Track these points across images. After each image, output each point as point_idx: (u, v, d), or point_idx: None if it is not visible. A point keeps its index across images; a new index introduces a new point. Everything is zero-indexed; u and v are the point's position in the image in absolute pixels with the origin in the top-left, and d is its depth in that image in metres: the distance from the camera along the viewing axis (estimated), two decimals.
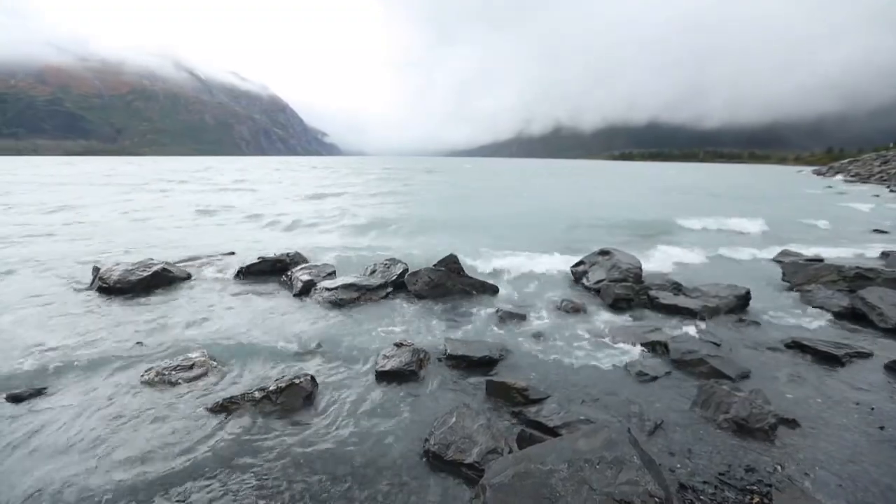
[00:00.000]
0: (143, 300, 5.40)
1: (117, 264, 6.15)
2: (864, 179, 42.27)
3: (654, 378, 3.59)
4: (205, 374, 3.56)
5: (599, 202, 18.95)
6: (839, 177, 48.07)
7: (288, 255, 7.07)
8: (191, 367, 3.60)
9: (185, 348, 3.97)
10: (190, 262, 6.98)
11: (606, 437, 2.02)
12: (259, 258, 6.77)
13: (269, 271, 6.69)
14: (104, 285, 5.72)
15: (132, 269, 5.97)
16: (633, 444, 1.99)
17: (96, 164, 61.23)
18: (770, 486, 2.36)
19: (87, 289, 5.85)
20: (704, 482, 2.42)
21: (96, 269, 6.11)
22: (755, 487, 2.36)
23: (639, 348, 4.10)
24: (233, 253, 7.85)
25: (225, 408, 3.06)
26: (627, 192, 26.47)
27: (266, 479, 2.40)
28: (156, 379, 3.44)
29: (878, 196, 24.32)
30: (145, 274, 5.90)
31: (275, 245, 8.53)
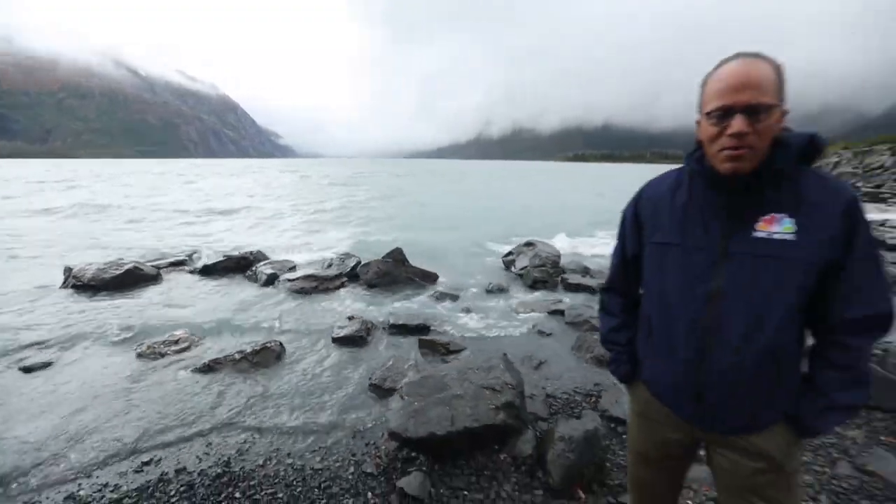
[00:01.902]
0: (119, 295, 5.99)
1: (89, 264, 6.65)
2: None
3: (550, 334, 4.71)
4: (189, 347, 4.32)
5: (543, 202, 20.54)
6: None
7: (251, 252, 7.77)
8: (176, 341, 4.36)
9: (169, 329, 4.70)
10: (156, 262, 7.53)
11: (486, 357, 3.06)
12: (224, 256, 7.44)
13: (234, 268, 7.37)
14: (78, 283, 6.24)
15: (104, 268, 6.51)
16: (502, 359, 3.03)
17: None
18: (603, 390, 3.50)
19: (61, 287, 6.33)
20: (564, 392, 3.52)
21: (68, 270, 6.58)
22: (594, 392, 3.49)
23: (543, 315, 5.24)
24: (197, 253, 8.44)
25: (210, 367, 3.86)
26: (576, 193, 28.50)
27: (247, 415, 3.23)
28: (148, 351, 4.17)
29: None
30: (118, 272, 6.45)
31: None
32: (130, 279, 6.50)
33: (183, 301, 5.76)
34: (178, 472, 2.56)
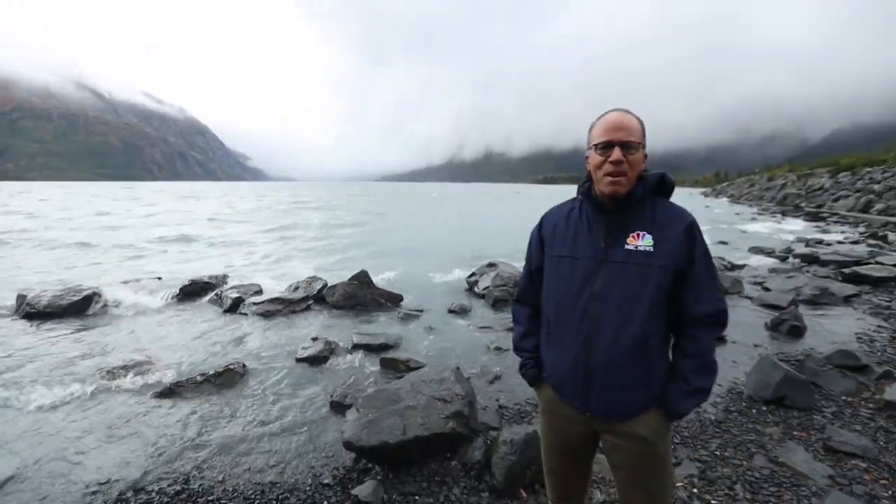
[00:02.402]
0: (77, 322, 5.88)
1: (44, 290, 6.50)
2: (736, 199, 49.79)
3: (507, 350, 4.94)
4: (150, 372, 4.31)
5: (510, 223, 21.13)
6: (721, 198, 55.94)
7: (216, 277, 7.76)
8: (137, 364, 4.36)
9: (130, 354, 4.68)
10: (118, 287, 7.40)
11: (438, 371, 3.27)
12: (189, 281, 7.40)
13: (198, 293, 7.33)
14: (32, 311, 6.08)
15: (61, 295, 6.38)
16: (453, 372, 3.25)
17: None
18: None
19: (11, 315, 6.15)
20: (516, 403, 3.74)
21: (22, 297, 6.41)
22: None
23: (502, 332, 5.49)
24: (160, 278, 8.33)
25: (172, 391, 3.89)
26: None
27: (208, 434, 3.29)
28: (106, 377, 4.16)
29: (738, 214, 29.24)
30: (76, 298, 6.33)
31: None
32: (90, 305, 6.38)
33: (145, 327, 5.72)
34: (136, 492, 2.62)
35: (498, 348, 4.98)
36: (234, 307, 6.52)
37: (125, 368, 4.27)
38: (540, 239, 1.58)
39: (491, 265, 7.84)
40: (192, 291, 7.23)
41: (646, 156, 1.37)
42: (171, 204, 37.31)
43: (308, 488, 2.65)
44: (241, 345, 5.06)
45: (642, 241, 1.33)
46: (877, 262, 8.97)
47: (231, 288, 7.24)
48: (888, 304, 6.64)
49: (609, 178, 1.32)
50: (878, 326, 5.64)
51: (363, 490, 2.51)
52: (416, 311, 6.33)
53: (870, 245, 12.83)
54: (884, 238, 14.22)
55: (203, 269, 9.24)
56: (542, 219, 1.59)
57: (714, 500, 2.49)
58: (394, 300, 6.74)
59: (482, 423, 3.20)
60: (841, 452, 2.92)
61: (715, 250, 12.32)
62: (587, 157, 1.42)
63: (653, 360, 1.35)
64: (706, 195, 65.18)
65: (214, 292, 7.20)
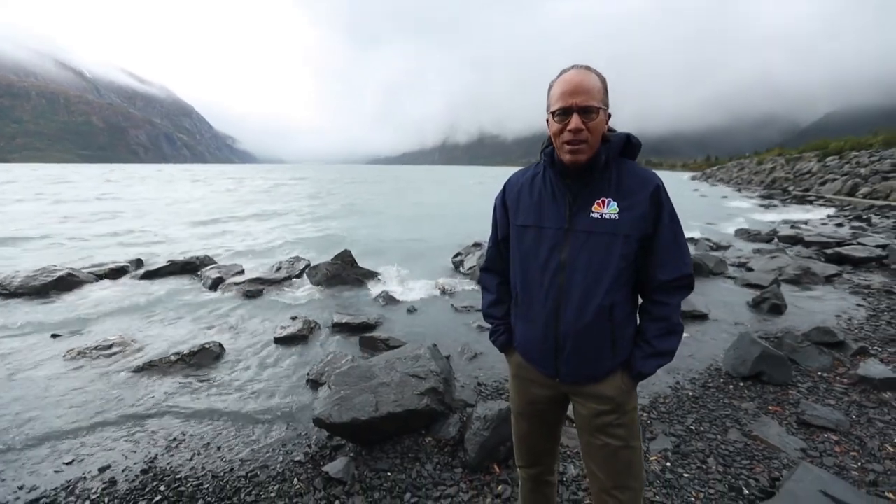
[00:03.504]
0: (50, 302, 5.73)
1: (17, 271, 6.32)
2: (726, 182, 50.08)
3: (489, 328, 4.92)
4: (123, 351, 4.23)
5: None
6: (711, 182, 56.17)
7: (197, 258, 7.60)
8: (110, 346, 4.26)
9: (104, 334, 4.57)
10: (95, 269, 7.23)
11: (414, 348, 3.22)
12: (169, 261, 7.25)
13: (178, 273, 7.19)
14: (5, 291, 5.92)
15: (34, 276, 6.21)
16: (428, 349, 3.19)
17: None
18: None
19: None
20: (494, 380, 3.71)
21: None
22: None
23: None
24: (139, 260, 8.15)
25: (143, 369, 3.81)
26: None
27: (179, 413, 3.21)
28: (78, 356, 4.06)
29: (725, 196, 29.42)
30: (49, 279, 6.17)
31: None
32: (64, 286, 6.23)
33: (121, 306, 5.59)
34: (101, 469, 2.55)
35: (480, 327, 4.95)
36: (215, 287, 6.41)
37: (97, 349, 4.17)
38: (504, 206, 1.52)
39: (476, 245, 7.78)
40: (171, 272, 7.09)
41: (609, 115, 1.29)
42: (156, 187, 36.57)
43: (279, 465, 2.60)
44: (220, 324, 4.97)
45: (607, 209, 1.28)
46: (859, 244, 9.06)
47: (212, 268, 7.10)
48: (868, 283, 6.71)
49: (568, 147, 1.25)
50: (857, 305, 5.71)
51: (334, 466, 2.47)
52: (400, 290, 6.26)
53: (853, 227, 12.97)
54: (868, 220, 14.39)
55: (185, 251, 9.06)
56: (506, 185, 1.53)
57: (686, 473, 2.49)
58: (377, 279, 6.67)
59: (459, 400, 3.17)
60: (814, 426, 2.94)
61: (701, 232, 12.39)
62: (547, 121, 1.33)
63: (619, 328, 1.32)
64: (695, 179, 65.45)
65: (195, 273, 7.07)
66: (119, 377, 3.71)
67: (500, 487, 2.35)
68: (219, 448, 2.78)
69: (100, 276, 6.84)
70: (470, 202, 25.26)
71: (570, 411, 1.53)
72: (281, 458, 2.66)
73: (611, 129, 1.33)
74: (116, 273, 7.19)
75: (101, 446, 2.79)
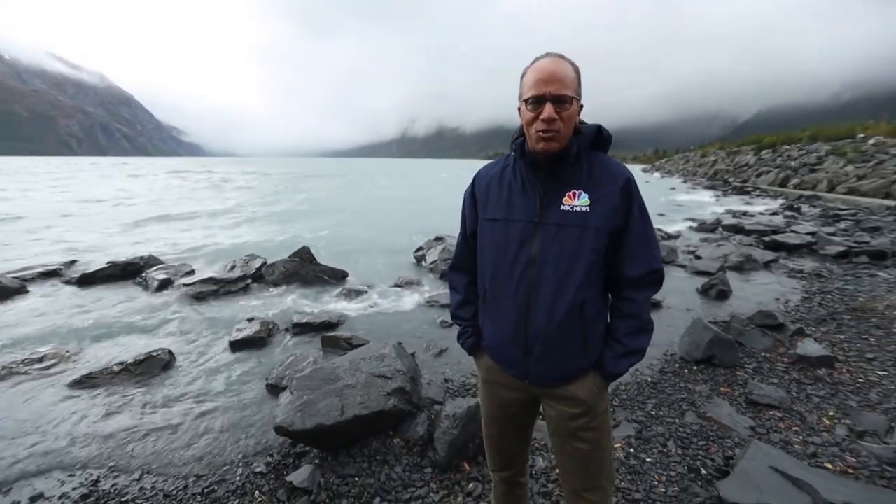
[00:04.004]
0: None
1: None
2: (673, 175, 52.73)
3: (452, 324, 4.91)
4: (58, 364, 3.87)
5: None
6: (659, 173, 58.92)
7: (141, 258, 7.09)
8: (41, 359, 3.88)
9: (34, 346, 4.16)
10: (21, 273, 6.58)
11: (379, 347, 3.14)
12: (108, 263, 6.71)
13: (119, 275, 6.67)
14: None
15: None
16: (394, 347, 3.13)
17: None
18: None
19: None
20: (461, 375, 3.70)
21: None
22: None
23: (450, 306, 5.43)
24: (74, 261, 7.52)
25: (82, 383, 3.50)
26: None
27: (124, 429, 2.97)
28: (3, 373, 3.67)
29: (674, 188, 30.97)
30: None
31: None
32: None
33: (54, 315, 5.11)
34: (32, 499, 2.31)
35: (444, 321, 4.92)
36: (162, 289, 6.00)
37: (25, 363, 3.80)
38: (473, 199, 1.46)
39: (438, 239, 7.73)
40: (111, 274, 6.57)
41: (581, 106, 1.25)
42: (92, 181, 33.90)
43: (238, 479, 2.46)
44: (168, 330, 4.66)
45: (578, 201, 1.24)
46: (792, 231, 9.79)
47: (158, 269, 6.65)
48: (801, 268, 7.26)
49: (541, 135, 1.21)
50: (793, 288, 6.15)
51: (298, 476, 2.36)
52: (362, 286, 6.12)
53: (786, 216, 13.99)
54: (798, 210, 15.58)
55: (126, 252, 8.44)
56: (475, 178, 1.47)
57: (649, 458, 2.57)
58: (338, 276, 6.49)
59: (426, 398, 3.12)
60: (760, 405, 3.13)
61: (653, 221, 12.96)
62: (519, 109, 1.29)
63: (590, 326, 1.29)
64: (646, 171, 68.49)
65: (140, 275, 6.59)
66: (53, 393, 3.39)
67: (470, 485, 2.34)
68: (169, 464, 2.60)
69: (26, 281, 6.24)
70: (433, 196, 25.17)
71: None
72: (240, 471, 2.52)
73: (581, 122, 1.31)
74: (47, 277, 6.60)
75: (31, 472, 2.53)
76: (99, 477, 2.47)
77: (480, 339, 1.49)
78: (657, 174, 57.37)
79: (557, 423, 1.37)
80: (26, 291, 5.96)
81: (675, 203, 20.30)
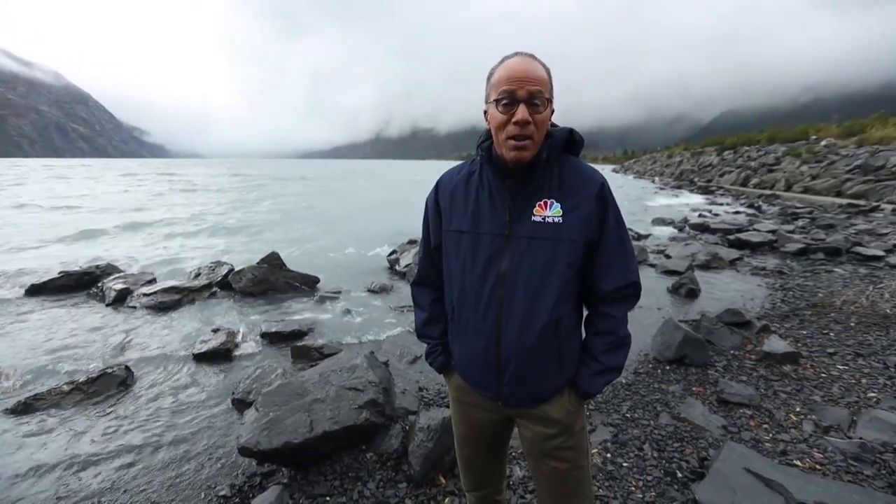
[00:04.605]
0: None
1: None
2: (641, 175, 54.24)
3: None
4: (0, 384, 3.58)
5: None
6: (629, 174, 60.47)
7: (98, 266, 6.70)
8: None
9: None
10: None
11: (350, 357, 3.02)
12: (61, 272, 6.30)
13: (73, 286, 6.28)
14: None
15: None
16: (365, 358, 3.02)
17: None
18: None
19: None
20: (436, 383, 3.62)
21: None
22: None
23: None
24: (20, 270, 7.04)
25: (27, 406, 3.23)
26: None
27: (73, 455, 2.74)
28: None
29: (643, 188, 31.81)
30: None
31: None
32: None
33: None
34: None
35: None
36: (120, 300, 5.67)
37: None
38: (437, 208, 1.36)
39: (412, 242, 7.63)
40: (64, 285, 6.17)
41: (553, 110, 1.18)
42: (47, 182, 32.07)
43: (201, 503, 2.31)
44: (126, 344, 4.38)
45: (550, 211, 1.17)
46: (754, 230, 10.17)
47: (116, 278, 6.29)
48: (764, 265, 7.53)
49: (513, 143, 1.12)
50: (757, 285, 6.36)
51: (265, 498, 2.23)
52: (334, 293, 5.97)
53: (748, 215, 14.56)
54: (759, 208, 16.25)
55: (80, 260, 7.97)
56: (438, 184, 1.37)
57: (626, 462, 2.56)
58: (309, 283, 6.30)
59: (401, 408, 3.03)
60: (731, 403, 3.18)
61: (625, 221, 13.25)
62: (486, 112, 1.20)
63: (565, 344, 1.23)
64: (616, 172, 70.23)
65: (96, 285, 6.21)
66: None
67: (447, 500, 2.26)
68: (125, 492, 2.41)
69: None
70: (406, 200, 25.01)
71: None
72: (203, 496, 2.37)
73: (553, 124, 1.23)
74: None
75: None
76: None
77: (450, 358, 1.40)
78: (630, 176, 58.85)
79: (532, 443, 1.31)
80: None
81: (644, 203, 20.87)
